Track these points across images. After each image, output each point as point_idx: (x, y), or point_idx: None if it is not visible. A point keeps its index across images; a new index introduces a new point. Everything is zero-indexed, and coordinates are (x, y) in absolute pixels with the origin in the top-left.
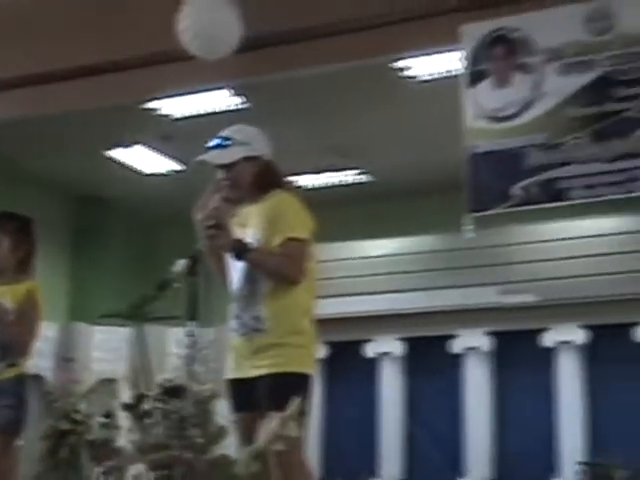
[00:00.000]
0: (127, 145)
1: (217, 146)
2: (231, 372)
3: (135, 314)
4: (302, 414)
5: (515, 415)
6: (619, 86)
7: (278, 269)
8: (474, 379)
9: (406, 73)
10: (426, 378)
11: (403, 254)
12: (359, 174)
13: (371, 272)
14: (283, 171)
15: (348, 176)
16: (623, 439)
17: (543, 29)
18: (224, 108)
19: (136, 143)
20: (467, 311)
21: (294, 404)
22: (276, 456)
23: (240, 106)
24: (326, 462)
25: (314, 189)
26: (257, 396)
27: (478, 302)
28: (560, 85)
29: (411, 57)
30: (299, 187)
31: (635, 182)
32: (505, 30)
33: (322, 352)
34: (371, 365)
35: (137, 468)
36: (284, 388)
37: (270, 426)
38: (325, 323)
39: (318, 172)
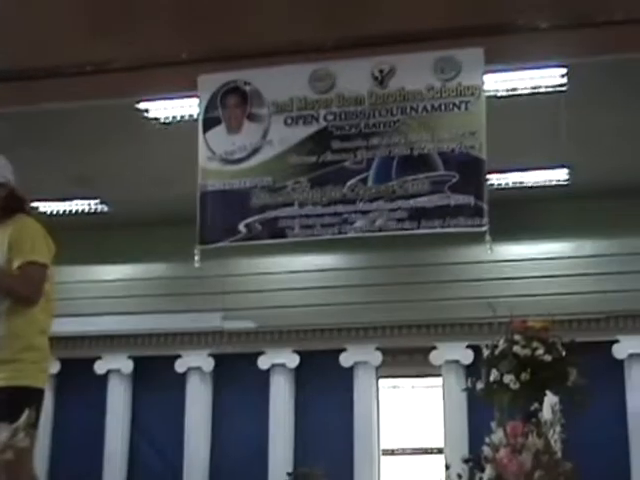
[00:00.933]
0: None
1: None
2: None
3: None
4: (32, 426)
5: (232, 430)
6: (337, 140)
7: (16, 290)
8: (197, 396)
9: (149, 114)
10: (153, 394)
11: (135, 279)
12: (99, 203)
13: (103, 294)
14: (27, 197)
15: (88, 205)
16: (324, 451)
17: (271, 84)
18: None
19: None
20: (192, 334)
21: (25, 416)
22: (5, 466)
23: None
24: (53, 471)
25: (56, 215)
26: None
27: (202, 326)
28: (285, 135)
29: (153, 100)
30: (42, 213)
31: (346, 225)
32: (238, 83)
33: (55, 368)
34: (102, 381)
35: None
36: (17, 401)
37: (0, 436)
38: (60, 341)
39: (61, 199)
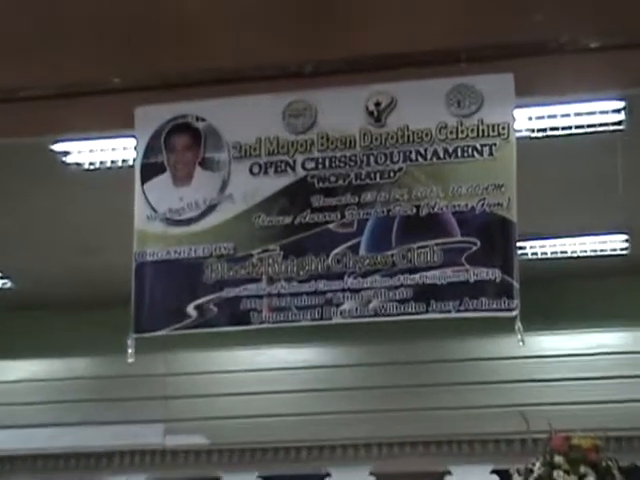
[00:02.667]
0: None
1: None
2: None
3: None
4: None
5: None
6: (319, 194)
7: None
8: None
9: (68, 158)
10: None
11: (47, 380)
12: (0, 278)
13: (4, 401)
14: None
15: None
16: None
17: (234, 121)
18: None
19: None
20: (123, 453)
21: None
22: None
23: None
24: None
25: None
26: None
27: (137, 442)
28: (250, 187)
29: (73, 140)
30: None
31: (330, 307)
32: (188, 118)
33: None
34: None
35: None
36: None
37: None
38: None
39: None
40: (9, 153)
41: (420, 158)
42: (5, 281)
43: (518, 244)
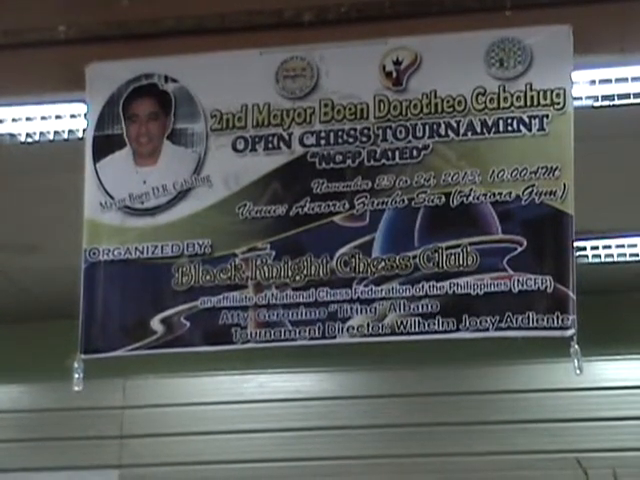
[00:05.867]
0: None
1: None
2: None
3: None
4: None
5: None
6: (321, 177)
7: None
8: None
9: (0, 129)
10: None
11: None
12: None
13: None
14: None
15: None
16: None
17: (211, 82)
18: None
19: None
20: None
21: None
22: None
23: None
24: None
25: None
26: None
27: None
28: (234, 168)
29: (7, 104)
30: None
31: (335, 322)
32: (154, 78)
33: None
34: None
35: None
36: None
37: None
38: None
39: None
40: None
41: (451, 133)
42: None
43: (576, 244)
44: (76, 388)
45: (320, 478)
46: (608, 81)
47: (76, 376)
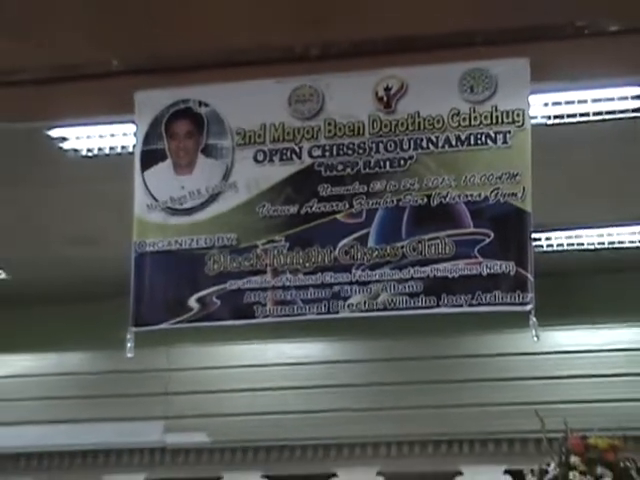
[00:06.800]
0: None
1: None
2: None
3: None
4: None
5: None
6: (325, 183)
7: None
8: None
9: (65, 145)
10: None
11: (41, 375)
12: None
13: None
14: None
15: None
16: None
17: (237, 106)
18: None
19: None
20: (121, 451)
21: None
22: None
23: None
24: None
25: None
26: None
27: (136, 440)
28: (255, 176)
29: (71, 125)
30: None
31: (337, 301)
32: (190, 103)
33: None
34: None
35: None
36: None
37: None
38: None
39: None
40: (4, 139)
41: (431, 146)
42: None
43: (533, 236)
44: (129, 355)
45: (325, 427)
46: (558, 103)
47: (128, 345)
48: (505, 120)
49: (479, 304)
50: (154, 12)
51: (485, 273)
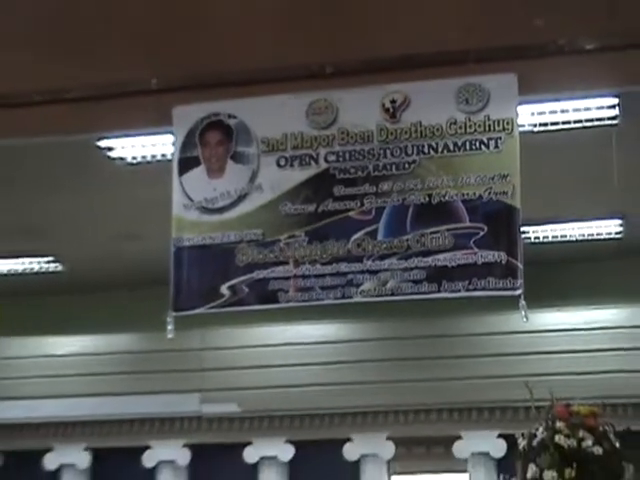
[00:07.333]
0: None
1: None
2: None
3: None
4: None
5: None
6: (340, 185)
7: None
8: None
9: (112, 153)
10: None
11: (94, 354)
12: (51, 262)
13: (55, 373)
14: None
15: (38, 263)
16: None
17: (261, 118)
18: None
19: None
20: (163, 420)
21: None
22: None
23: None
24: None
25: None
26: None
27: (176, 410)
28: (277, 179)
29: (117, 137)
30: None
31: (351, 287)
32: (221, 116)
33: None
34: (53, 478)
35: None
36: None
37: None
38: (3, 429)
39: (5, 256)
40: (60, 149)
41: (432, 151)
42: (57, 265)
43: (522, 229)
44: (169, 336)
45: (341, 397)
46: (543, 113)
47: (169, 327)
48: (496, 128)
49: (475, 289)
50: (188, 37)
51: (480, 262)
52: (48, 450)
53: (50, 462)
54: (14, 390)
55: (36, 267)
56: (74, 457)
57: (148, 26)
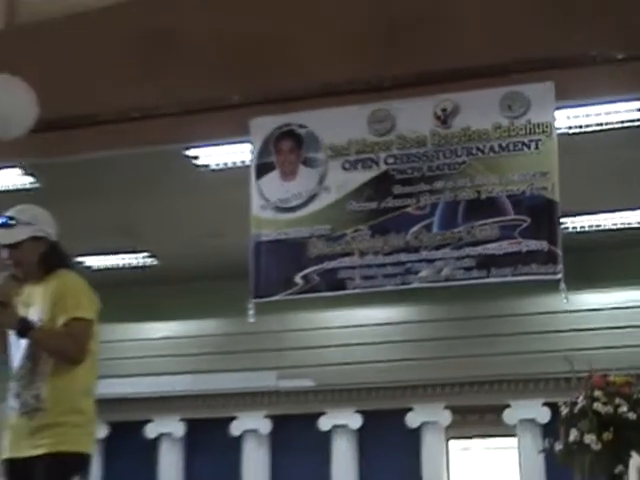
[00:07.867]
0: None
1: (2, 225)
2: (7, 452)
3: None
4: None
5: None
6: (398, 184)
7: (61, 348)
8: (253, 460)
9: (198, 161)
10: (207, 459)
11: (186, 337)
12: (146, 257)
13: (152, 354)
14: (69, 251)
15: (135, 259)
16: None
17: (328, 127)
18: (14, 187)
19: None
20: (246, 394)
21: None
22: None
23: (29, 185)
24: None
25: (100, 270)
26: (34, 476)
27: (257, 385)
28: (343, 180)
29: (202, 146)
30: (87, 267)
31: (409, 275)
32: (292, 126)
33: (102, 432)
34: (153, 445)
35: None
36: (61, 468)
37: None
38: (106, 403)
39: (107, 253)
40: (152, 159)
41: (479, 153)
42: (153, 259)
43: (561, 220)
44: (251, 320)
45: (403, 372)
46: (577, 116)
47: (250, 312)
48: (537, 131)
49: (520, 274)
50: (263, 57)
51: (524, 250)
52: (148, 421)
53: (150, 431)
54: (118, 369)
55: (134, 262)
56: (171, 427)
57: (228, 48)
